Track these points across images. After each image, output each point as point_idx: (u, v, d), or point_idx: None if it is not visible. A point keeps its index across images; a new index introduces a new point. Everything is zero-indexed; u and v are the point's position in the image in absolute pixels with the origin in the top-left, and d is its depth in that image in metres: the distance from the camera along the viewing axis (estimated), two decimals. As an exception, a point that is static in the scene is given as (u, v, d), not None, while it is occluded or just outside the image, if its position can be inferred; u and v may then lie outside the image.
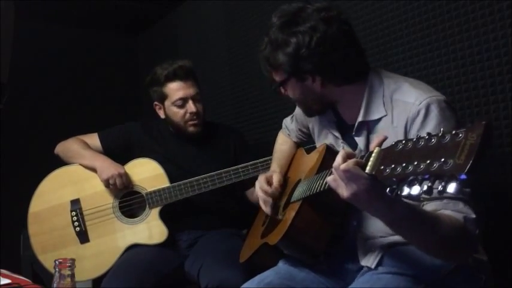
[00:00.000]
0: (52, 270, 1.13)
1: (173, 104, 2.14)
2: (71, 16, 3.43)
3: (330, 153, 1.41)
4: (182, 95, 2.13)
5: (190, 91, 2.14)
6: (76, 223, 2.10)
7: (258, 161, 2.10)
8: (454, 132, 0.82)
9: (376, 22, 2.04)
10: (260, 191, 1.62)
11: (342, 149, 1.16)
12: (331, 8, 1.29)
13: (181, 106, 2.13)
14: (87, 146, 2.22)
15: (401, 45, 1.94)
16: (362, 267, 1.37)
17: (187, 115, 2.14)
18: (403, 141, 0.92)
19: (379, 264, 1.32)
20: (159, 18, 3.67)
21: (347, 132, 1.41)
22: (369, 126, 1.33)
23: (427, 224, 1.08)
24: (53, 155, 2.27)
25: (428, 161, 0.83)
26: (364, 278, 1.33)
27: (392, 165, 0.90)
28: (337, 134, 1.45)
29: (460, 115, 1.68)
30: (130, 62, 3.88)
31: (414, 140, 0.89)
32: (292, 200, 1.49)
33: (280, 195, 1.65)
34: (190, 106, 2.12)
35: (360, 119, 1.33)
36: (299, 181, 1.55)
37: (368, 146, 1.32)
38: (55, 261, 1.12)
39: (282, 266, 1.50)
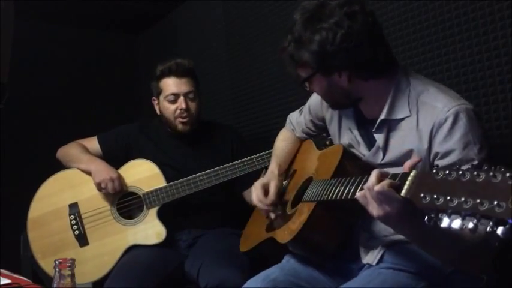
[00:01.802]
0: (53, 275, 1.12)
1: (165, 98, 2.17)
2: (71, 16, 3.42)
3: (347, 156, 1.40)
4: (174, 90, 2.15)
5: (183, 88, 2.15)
6: (75, 227, 2.10)
7: (253, 156, 2.10)
8: (508, 174, 0.79)
9: (376, 22, 2.03)
10: (257, 200, 1.61)
11: (376, 170, 1.12)
12: (354, 2, 1.26)
13: (173, 102, 2.16)
14: (86, 150, 2.24)
15: (401, 45, 1.93)
16: (364, 265, 1.37)
17: (178, 111, 2.15)
18: (446, 170, 0.89)
19: (380, 261, 1.33)
20: (159, 18, 3.67)
21: (364, 126, 1.39)
22: (390, 125, 1.31)
23: (450, 240, 1.07)
24: (52, 155, 2.28)
25: (478, 200, 0.81)
26: (365, 273, 1.33)
27: (434, 195, 0.88)
28: (354, 127, 1.43)
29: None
30: (131, 62, 3.88)
31: (460, 172, 0.86)
32: (305, 199, 1.46)
33: (286, 189, 1.64)
34: (181, 102, 2.14)
35: (382, 116, 1.30)
36: (309, 178, 1.53)
37: (387, 144, 1.31)
38: (55, 261, 1.12)
39: (286, 262, 1.51)
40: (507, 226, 0.77)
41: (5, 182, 2.92)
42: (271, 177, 1.67)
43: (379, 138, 1.32)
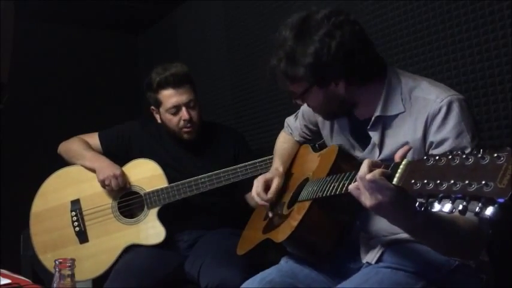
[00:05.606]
0: (52, 270, 1.12)
1: (167, 111, 2.12)
2: (71, 16, 3.42)
3: (342, 155, 1.41)
4: (175, 102, 2.09)
5: (183, 98, 2.10)
6: (76, 223, 2.11)
7: (256, 160, 2.09)
8: (495, 154, 0.80)
9: (376, 22, 2.04)
10: (256, 194, 1.62)
11: (367, 159, 1.14)
12: (339, 12, 1.29)
13: (175, 113, 2.11)
14: (89, 146, 2.23)
15: (401, 45, 1.94)
16: (363, 265, 1.38)
17: (181, 122, 2.11)
18: (436, 156, 0.90)
19: (379, 260, 1.33)
20: (159, 18, 3.67)
21: (358, 128, 1.40)
22: (384, 122, 1.33)
23: (445, 230, 1.08)
24: (53, 155, 2.28)
25: (466, 181, 0.81)
26: (363, 271, 1.34)
27: (425, 181, 0.88)
28: (347, 130, 1.44)
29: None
30: (131, 62, 3.88)
31: (449, 156, 0.87)
32: (301, 198, 1.47)
33: (283, 191, 1.64)
34: (184, 113, 2.09)
35: (377, 113, 1.32)
36: (306, 179, 1.53)
37: (383, 140, 1.32)
38: (55, 261, 1.11)
39: (284, 263, 1.50)
40: (496, 206, 0.77)
41: (5, 182, 2.92)
42: (275, 173, 1.67)
43: (375, 135, 1.34)
